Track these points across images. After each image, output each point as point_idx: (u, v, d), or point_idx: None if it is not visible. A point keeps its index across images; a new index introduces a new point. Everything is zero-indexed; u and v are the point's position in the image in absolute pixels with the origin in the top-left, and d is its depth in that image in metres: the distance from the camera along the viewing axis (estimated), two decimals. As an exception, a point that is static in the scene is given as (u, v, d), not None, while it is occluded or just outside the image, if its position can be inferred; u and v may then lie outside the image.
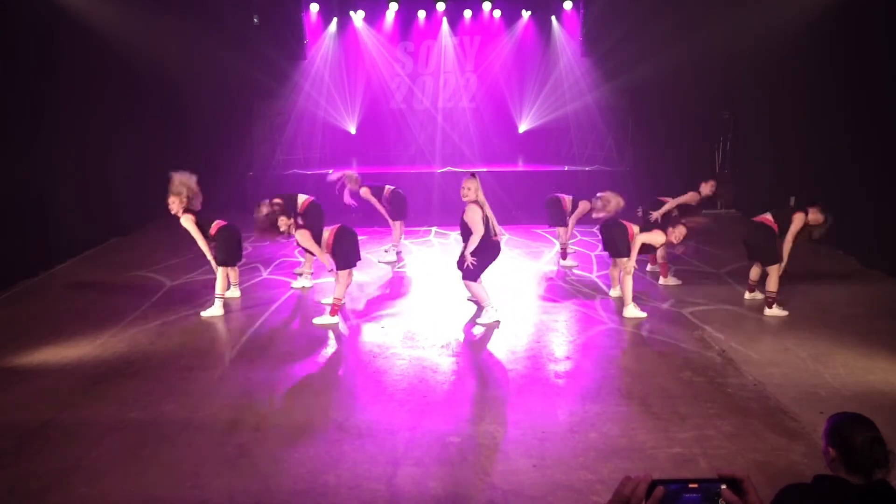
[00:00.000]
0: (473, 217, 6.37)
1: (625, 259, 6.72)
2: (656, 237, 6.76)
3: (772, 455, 4.22)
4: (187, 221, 6.76)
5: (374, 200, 8.91)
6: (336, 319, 6.65)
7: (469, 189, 6.42)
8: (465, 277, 6.58)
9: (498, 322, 6.59)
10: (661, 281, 7.86)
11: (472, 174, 6.59)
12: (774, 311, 6.72)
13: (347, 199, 9.22)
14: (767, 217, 6.88)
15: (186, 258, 8.99)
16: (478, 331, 6.47)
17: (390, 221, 9.07)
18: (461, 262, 6.53)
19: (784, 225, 6.78)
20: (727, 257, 8.83)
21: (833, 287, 7.63)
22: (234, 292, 7.43)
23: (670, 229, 6.72)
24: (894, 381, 5.22)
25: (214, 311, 6.89)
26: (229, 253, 6.97)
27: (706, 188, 7.99)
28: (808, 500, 2.23)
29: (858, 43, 8.66)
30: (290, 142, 13.17)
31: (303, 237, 6.47)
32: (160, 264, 8.87)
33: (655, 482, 1.31)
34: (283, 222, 6.54)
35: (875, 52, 8.32)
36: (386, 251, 9.09)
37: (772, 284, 6.71)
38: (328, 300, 6.88)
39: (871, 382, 5.20)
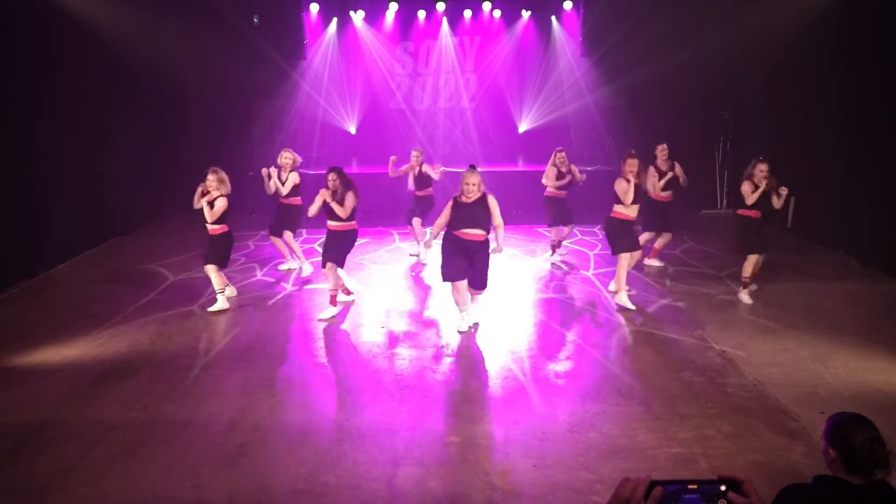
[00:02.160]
0: (496, 208, 6.08)
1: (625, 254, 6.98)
2: (619, 184, 7.02)
3: (772, 455, 4.22)
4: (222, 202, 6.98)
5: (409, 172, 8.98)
6: (337, 309, 6.82)
7: (476, 184, 6.02)
8: (483, 287, 6.37)
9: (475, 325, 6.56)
10: (647, 260, 8.19)
11: (473, 165, 6.29)
12: (742, 296, 7.11)
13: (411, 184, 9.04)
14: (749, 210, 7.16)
15: (184, 256, 9.00)
16: (477, 331, 6.46)
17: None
18: (483, 277, 6.25)
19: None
20: (727, 258, 8.82)
21: (833, 287, 7.63)
22: (231, 291, 7.47)
23: (623, 167, 7.04)
24: (894, 381, 5.22)
25: (220, 305, 7.05)
26: (222, 256, 7.14)
27: (661, 155, 8.46)
28: (808, 500, 2.23)
29: (858, 43, 8.66)
30: (290, 142, 13.10)
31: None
32: (160, 263, 8.86)
33: (654, 483, 1.31)
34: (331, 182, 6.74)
35: (875, 53, 8.33)
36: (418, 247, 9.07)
37: (746, 270, 7.14)
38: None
39: (871, 382, 5.21)
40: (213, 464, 4.18)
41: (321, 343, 6.27)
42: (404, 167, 8.91)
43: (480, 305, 6.68)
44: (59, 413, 4.85)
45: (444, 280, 6.21)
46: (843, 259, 8.84)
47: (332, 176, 6.67)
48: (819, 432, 2.40)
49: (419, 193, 8.93)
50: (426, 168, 8.84)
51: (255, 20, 12.06)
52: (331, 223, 6.80)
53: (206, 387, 5.28)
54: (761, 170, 7.06)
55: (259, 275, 8.42)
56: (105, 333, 6.41)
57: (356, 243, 7.15)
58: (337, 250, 6.77)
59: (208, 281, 7.15)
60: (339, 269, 6.90)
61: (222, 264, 7.16)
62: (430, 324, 6.71)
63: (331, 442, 4.42)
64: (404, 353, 5.97)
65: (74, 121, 9.17)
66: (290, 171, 8.16)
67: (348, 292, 7.28)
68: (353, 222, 6.85)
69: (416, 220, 8.95)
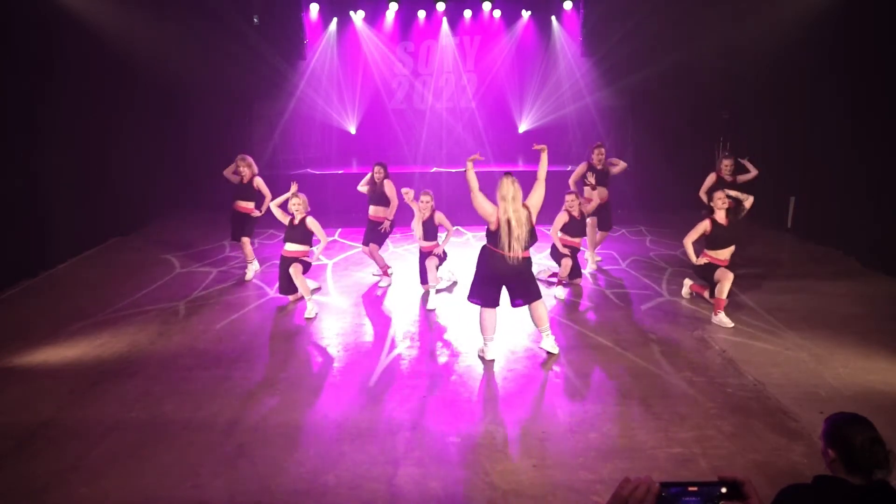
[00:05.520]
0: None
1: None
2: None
3: (772, 455, 4.22)
4: (260, 183, 8.25)
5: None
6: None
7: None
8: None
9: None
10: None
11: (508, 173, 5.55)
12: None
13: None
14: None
15: (184, 254, 9.00)
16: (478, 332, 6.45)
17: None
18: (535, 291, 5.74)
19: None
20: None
21: (833, 287, 7.63)
22: (252, 268, 8.37)
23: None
24: (894, 381, 5.22)
25: (249, 274, 8.23)
26: (249, 229, 8.33)
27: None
28: (808, 500, 2.22)
29: (859, 43, 8.65)
30: (290, 142, 13.15)
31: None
32: (159, 262, 8.87)
33: (662, 487, 1.30)
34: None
35: (876, 53, 8.32)
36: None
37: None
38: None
39: (871, 382, 5.21)
40: (213, 464, 4.18)
41: (321, 343, 6.26)
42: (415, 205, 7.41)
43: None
44: (59, 413, 4.85)
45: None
46: (843, 259, 8.83)
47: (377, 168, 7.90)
48: (819, 432, 2.40)
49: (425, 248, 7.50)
50: (439, 218, 7.46)
51: (255, 20, 12.05)
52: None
53: (206, 387, 5.28)
54: (726, 164, 8.02)
55: (258, 273, 8.40)
56: (105, 333, 6.42)
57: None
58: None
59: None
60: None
61: (249, 234, 8.25)
62: (431, 324, 6.71)
63: (331, 442, 4.43)
64: (404, 353, 5.97)
65: (74, 121, 9.16)
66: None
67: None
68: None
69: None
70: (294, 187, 7.24)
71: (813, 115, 9.62)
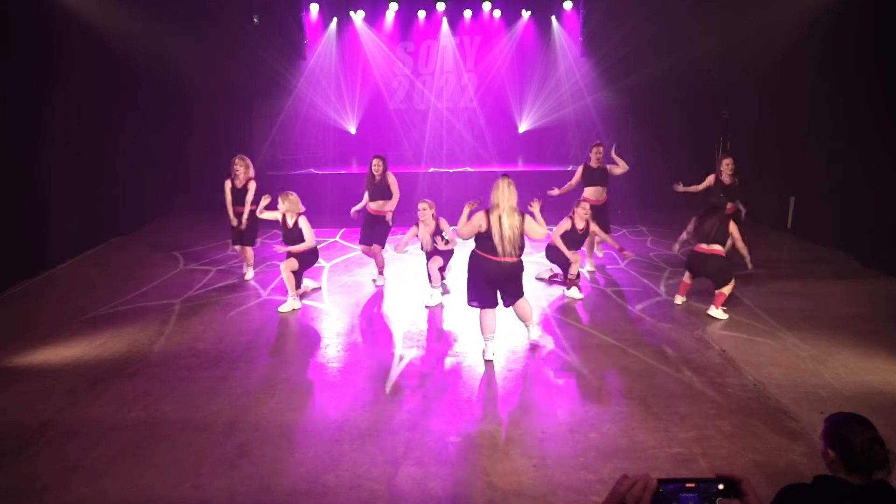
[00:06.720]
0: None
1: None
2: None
3: (772, 455, 4.22)
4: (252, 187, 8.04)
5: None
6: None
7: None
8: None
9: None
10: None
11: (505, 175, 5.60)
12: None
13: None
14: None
15: (183, 253, 9.00)
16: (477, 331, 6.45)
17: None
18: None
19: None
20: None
21: (833, 287, 7.63)
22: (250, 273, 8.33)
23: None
24: (894, 381, 5.22)
25: (248, 275, 8.23)
26: (251, 235, 8.20)
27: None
28: (808, 500, 2.22)
29: (859, 43, 8.66)
30: (290, 142, 13.16)
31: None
32: (159, 262, 8.87)
33: (659, 484, 1.31)
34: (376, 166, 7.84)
35: (876, 52, 8.32)
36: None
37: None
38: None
39: (871, 382, 5.21)
40: (213, 464, 4.18)
41: (321, 343, 6.26)
42: (409, 233, 7.51)
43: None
44: (59, 413, 4.85)
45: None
46: (843, 259, 8.83)
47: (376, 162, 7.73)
48: (819, 432, 2.40)
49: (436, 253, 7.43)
50: (443, 225, 7.39)
51: (256, 20, 12.06)
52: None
53: (206, 387, 5.28)
54: (727, 163, 8.02)
55: (256, 274, 8.40)
56: (105, 333, 6.42)
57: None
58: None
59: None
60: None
61: (251, 242, 8.18)
62: (431, 324, 6.71)
63: (331, 442, 4.43)
64: (404, 353, 5.97)
65: (74, 121, 9.17)
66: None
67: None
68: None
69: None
70: (265, 200, 7.38)
71: (813, 115, 9.62)
